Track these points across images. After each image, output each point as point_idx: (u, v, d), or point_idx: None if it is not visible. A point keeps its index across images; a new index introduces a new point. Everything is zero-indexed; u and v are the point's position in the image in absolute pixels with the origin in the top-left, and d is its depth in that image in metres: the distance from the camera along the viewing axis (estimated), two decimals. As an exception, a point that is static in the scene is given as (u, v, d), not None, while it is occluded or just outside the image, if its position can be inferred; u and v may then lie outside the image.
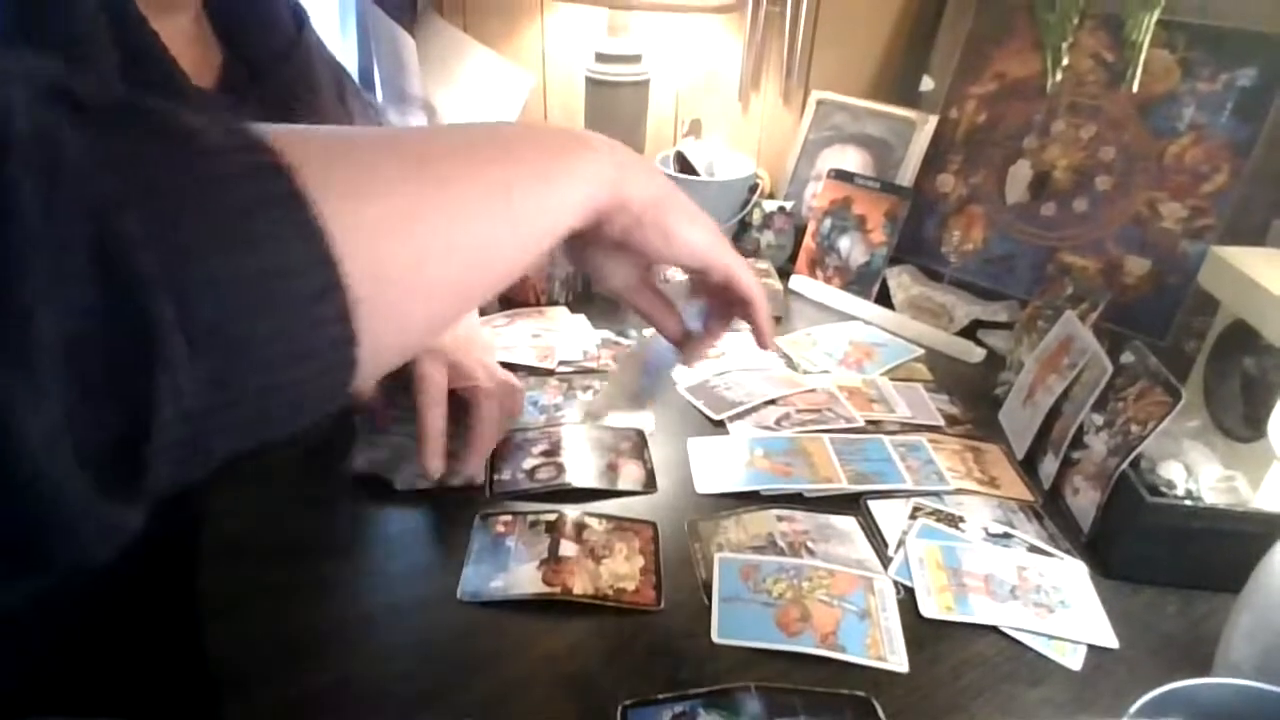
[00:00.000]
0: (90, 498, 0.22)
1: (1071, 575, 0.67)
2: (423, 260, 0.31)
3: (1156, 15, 0.94)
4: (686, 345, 0.57)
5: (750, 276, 0.52)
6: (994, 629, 0.62)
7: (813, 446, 0.80)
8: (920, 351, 1.01)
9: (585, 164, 0.40)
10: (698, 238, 0.47)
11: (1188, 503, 0.66)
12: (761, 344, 0.55)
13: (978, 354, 1.00)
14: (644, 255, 0.47)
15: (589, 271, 0.51)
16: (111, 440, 0.22)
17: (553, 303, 1.05)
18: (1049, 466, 0.77)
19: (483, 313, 1.02)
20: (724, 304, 0.55)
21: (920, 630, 0.61)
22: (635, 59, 1.14)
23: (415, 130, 0.34)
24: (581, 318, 1.02)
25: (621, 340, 0.98)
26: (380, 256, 0.29)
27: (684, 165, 1.20)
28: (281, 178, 0.26)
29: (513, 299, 1.06)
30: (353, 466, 0.73)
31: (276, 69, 0.67)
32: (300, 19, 0.71)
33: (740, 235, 1.21)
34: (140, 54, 0.53)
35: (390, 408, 0.75)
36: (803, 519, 0.71)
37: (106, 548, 0.24)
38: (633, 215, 0.44)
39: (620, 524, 0.70)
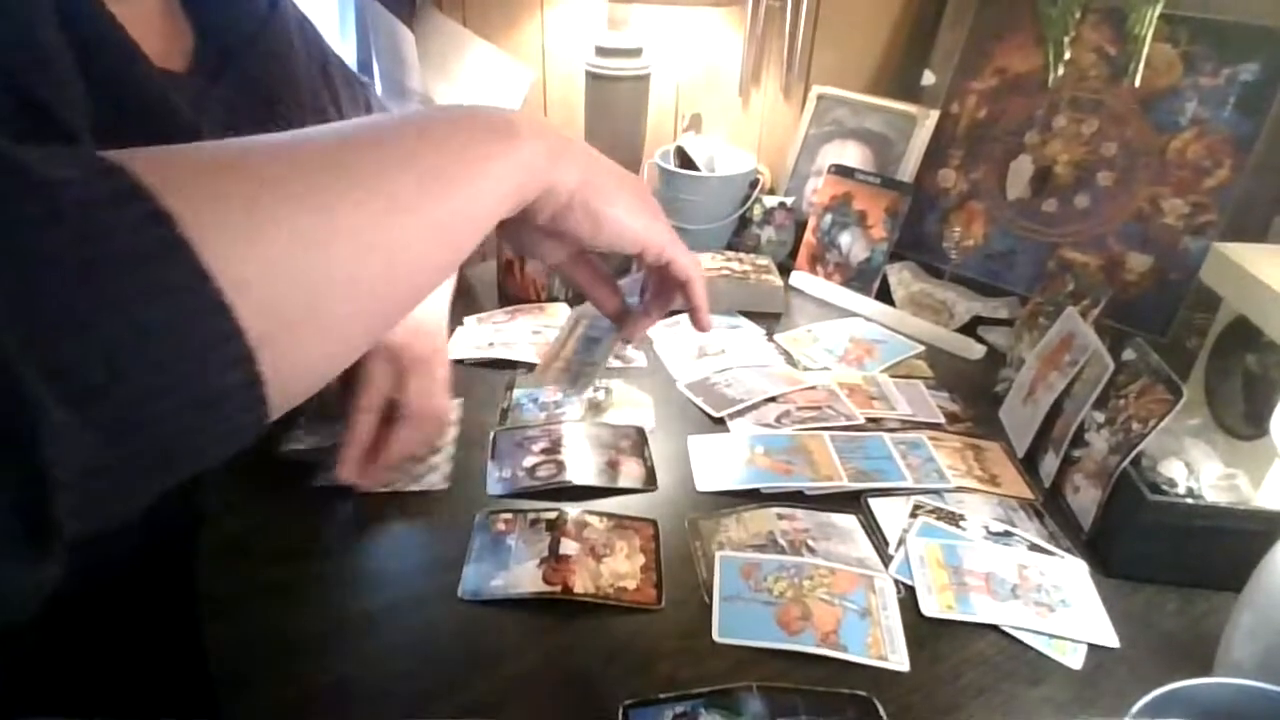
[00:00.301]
0: None
1: (1072, 574, 0.67)
2: (327, 287, 0.30)
3: (1159, 9, 0.94)
4: (625, 321, 0.56)
5: (687, 256, 0.51)
6: (995, 628, 0.62)
7: (813, 444, 0.80)
8: (921, 348, 1.01)
9: (508, 154, 0.38)
10: (630, 221, 0.46)
11: (1189, 501, 0.66)
12: (698, 325, 0.54)
13: (978, 351, 1.00)
14: (575, 240, 0.46)
15: (520, 251, 0.48)
16: (12, 508, 0.22)
17: (552, 299, 1.05)
18: (1050, 464, 0.77)
19: (483, 309, 1.02)
20: (664, 283, 0.54)
21: (921, 629, 0.61)
22: (636, 53, 1.14)
23: (312, 136, 0.30)
24: (581, 314, 1.02)
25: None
26: (278, 292, 0.28)
27: (684, 160, 1.19)
28: (159, 225, 0.25)
29: (513, 295, 1.05)
30: (289, 447, 0.73)
31: (249, 49, 0.65)
32: None
33: (740, 231, 1.21)
34: (97, 39, 0.52)
35: (348, 396, 0.72)
36: (803, 517, 0.71)
37: (26, 602, 0.24)
38: (561, 202, 0.42)
39: (621, 522, 0.69)
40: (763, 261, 1.12)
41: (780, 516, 0.71)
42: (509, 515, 0.69)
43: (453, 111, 0.38)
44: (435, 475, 0.74)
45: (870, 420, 0.85)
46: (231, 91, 0.63)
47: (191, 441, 0.27)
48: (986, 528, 0.71)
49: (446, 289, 0.80)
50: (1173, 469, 0.67)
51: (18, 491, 0.22)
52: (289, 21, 0.71)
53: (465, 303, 1.03)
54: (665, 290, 0.54)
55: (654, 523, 0.70)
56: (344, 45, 1.16)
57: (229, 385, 0.27)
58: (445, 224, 0.35)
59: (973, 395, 0.92)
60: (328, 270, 0.30)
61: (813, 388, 0.90)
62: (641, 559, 0.66)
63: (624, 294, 0.56)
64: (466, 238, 0.37)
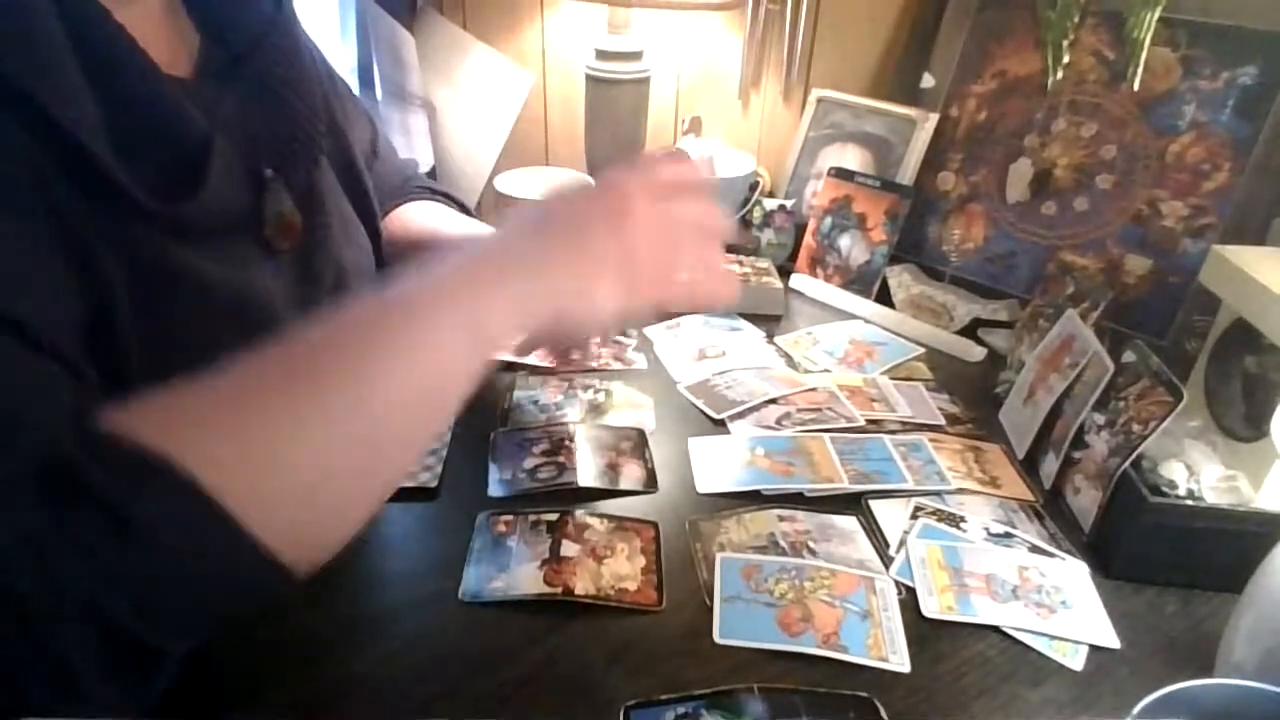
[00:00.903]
0: None
1: (1073, 575, 0.67)
2: (332, 486, 0.39)
3: (1158, 12, 0.94)
4: None
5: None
6: (995, 629, 0.62)
7: (814, 446, 0.80)
8: (921, 350, 1.01)
9: (480, 329, 0.48)
10: (605, 300, 0.52)
11: (1189, 502, 0.66)
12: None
13: (978, 353, 1.00)
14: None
15: None
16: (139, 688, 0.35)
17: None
18: (1050, 466, 0.77)
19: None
20: None
21: (922, 630, 0.61)
22: (636, 56, 1.14)
23: (270, 362, 0.40)
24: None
25: (621, 339, 0.98)
26: (295, 510, 0.37)
27: (684, 163, 1.19)
28: (216, 515, 0.33)
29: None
30: None
31: (258, 51, 0.63)
32: None
33: (740, 233, 1.21)
34: (104, 48, 0.50)
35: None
36: (804, 519, 0.71)
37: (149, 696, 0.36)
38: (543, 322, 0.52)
39: (622, 524, 0.69)
40: (762, 264, 1.13)
41: (781, 518, 0.71)
42: (509, 517, 0.69)
43: (407, 290, 0.45)
44: (427, 474, 0.74)
45: (871, 422, 0.85)
46: (243, 96, 0.62)
47: (242, 615, 0.39)
48: (987, 529, 0.71)
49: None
50: (1173, 471, 0.68)
51: (142, 681, 0.36)
52: (296, 21, 0.70)
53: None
54: None
55: (655, 524, 0.70)
56: (344, 48, 1.16)
57: (269, 586, 0.37)
58: (418, 395, 0.43)
59: (973, 397, 0.92)
60: (329, 476, 0.38)
61: (813, 390, 0.90)
62: (642, 560, 0.66)
63: None
64: (444, 400, 0.46)
